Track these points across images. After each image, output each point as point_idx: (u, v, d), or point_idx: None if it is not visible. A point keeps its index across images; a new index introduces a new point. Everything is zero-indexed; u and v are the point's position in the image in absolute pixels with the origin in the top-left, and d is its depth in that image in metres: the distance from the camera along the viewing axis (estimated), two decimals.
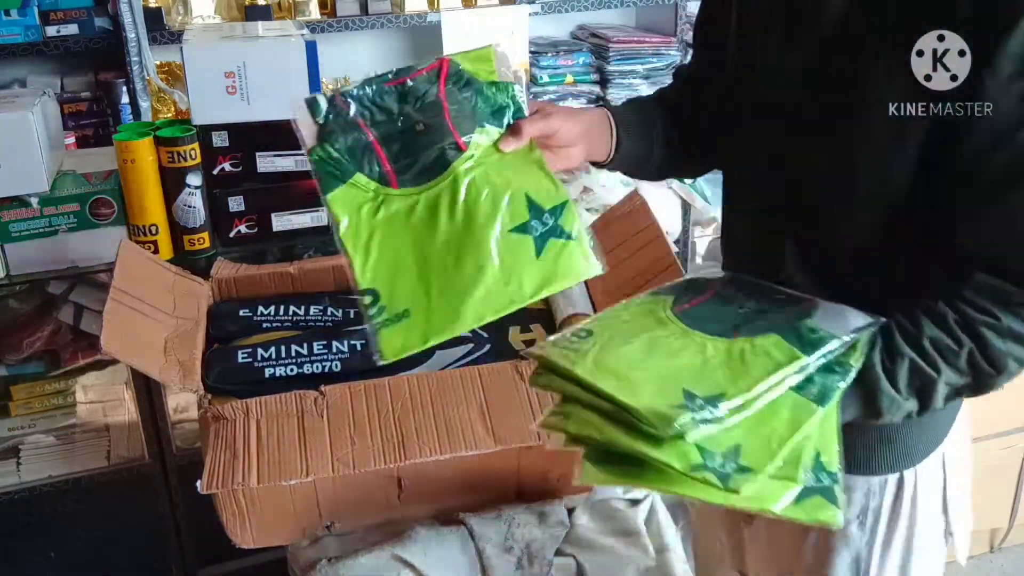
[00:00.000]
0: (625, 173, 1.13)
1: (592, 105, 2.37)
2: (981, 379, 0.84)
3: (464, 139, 0.89)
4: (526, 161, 0.91)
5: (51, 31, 1.90)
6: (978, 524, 1.09)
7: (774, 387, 0.77)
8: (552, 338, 0.86)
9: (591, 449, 0.76)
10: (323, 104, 0.90)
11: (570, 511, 1.22)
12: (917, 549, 1.01)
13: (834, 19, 0.87)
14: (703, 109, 1.09)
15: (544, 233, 0.87)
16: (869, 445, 0.97)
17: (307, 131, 0.89)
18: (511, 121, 0.92)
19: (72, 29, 1.91)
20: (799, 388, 0.78)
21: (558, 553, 1.14)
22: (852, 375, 0.81)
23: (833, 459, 0.76)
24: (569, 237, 0.87)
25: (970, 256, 0.83)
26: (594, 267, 0.87)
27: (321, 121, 0.89)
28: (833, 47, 0.87)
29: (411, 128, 0.90)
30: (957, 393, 0.85)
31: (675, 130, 1.09)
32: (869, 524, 1.00)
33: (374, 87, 0.91)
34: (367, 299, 0.85)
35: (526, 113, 0.92)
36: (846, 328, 0.83)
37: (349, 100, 0.90)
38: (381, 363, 0.82)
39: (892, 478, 0.99)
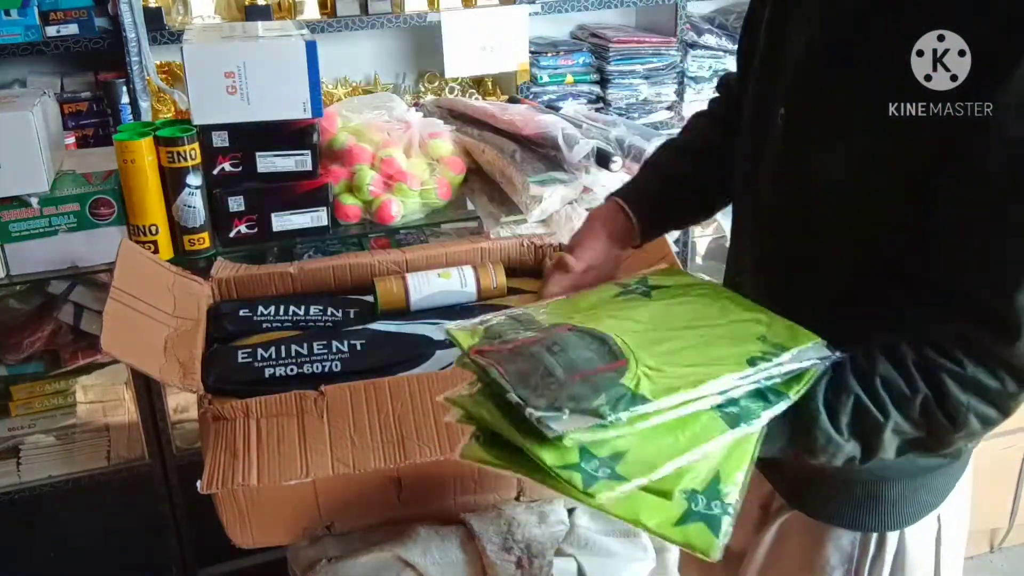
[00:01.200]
0: (674, 229, 1.22)
1: (592, 107, 2.37)
2: (937, 433, 0.75)
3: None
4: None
5: (51, 31, 1.90)
6: (978, 524, 1.08)
7: (696, 400, 0.71)
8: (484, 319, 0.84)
9: (482, 429, 0.75)
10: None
11: (570, 511, 1.21)
12: None
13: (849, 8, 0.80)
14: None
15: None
16: (855, 499, 0.92)
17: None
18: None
19: (72, 29, 1.91)
20: (721, 407, 0.72)
21: (558, 553, 1.14)
22: (784, 405, 0.73)
23: (733, 490, 0.69)
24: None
25: (947, 296, 0.75)
26: None
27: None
28: (841, 34, 0.80)
29: None
30: (909, 445, 0.76)
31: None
32: None
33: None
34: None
35: None
36: (800, 355, 0.75)
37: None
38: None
39: (874, 536, 0.92)
